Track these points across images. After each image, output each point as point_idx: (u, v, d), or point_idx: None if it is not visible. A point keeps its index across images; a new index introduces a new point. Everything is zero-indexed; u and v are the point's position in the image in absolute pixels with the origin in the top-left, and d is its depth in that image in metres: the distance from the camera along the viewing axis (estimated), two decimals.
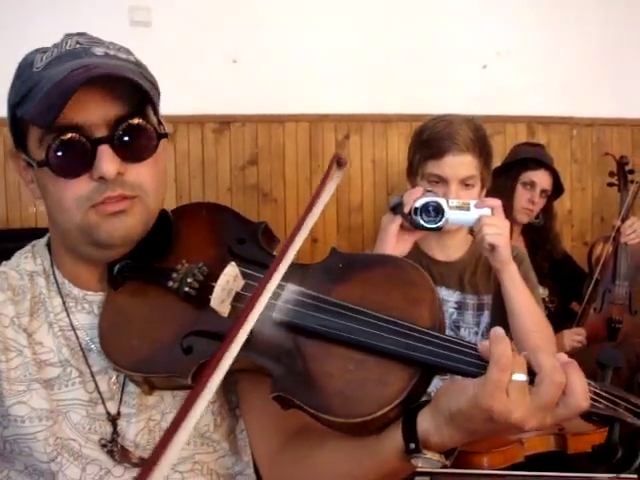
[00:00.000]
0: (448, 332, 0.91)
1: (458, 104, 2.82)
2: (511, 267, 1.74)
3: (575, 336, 2.68)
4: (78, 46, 0.97)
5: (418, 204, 1.66)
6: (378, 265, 0.97)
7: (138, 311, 0.98)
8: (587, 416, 0.82)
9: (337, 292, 0.92)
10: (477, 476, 1.60)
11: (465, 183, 1.86)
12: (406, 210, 1.66)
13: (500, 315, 1.80)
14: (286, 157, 3.12)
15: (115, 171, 0.93)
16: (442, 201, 1.66)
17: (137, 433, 1.02)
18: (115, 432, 1.01)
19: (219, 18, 2.97)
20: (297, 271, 0.94)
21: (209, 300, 0.92)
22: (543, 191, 2.77)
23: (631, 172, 2.91)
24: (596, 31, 3.36)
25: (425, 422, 0.83)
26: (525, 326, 1.76)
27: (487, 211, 1.67)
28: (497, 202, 1.69)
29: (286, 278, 0.91)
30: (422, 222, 1.66)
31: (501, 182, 2.68)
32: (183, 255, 1.00)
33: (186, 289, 0.95)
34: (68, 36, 0.99)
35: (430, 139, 1.88)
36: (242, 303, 0.93)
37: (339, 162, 1.00)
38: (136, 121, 0.95)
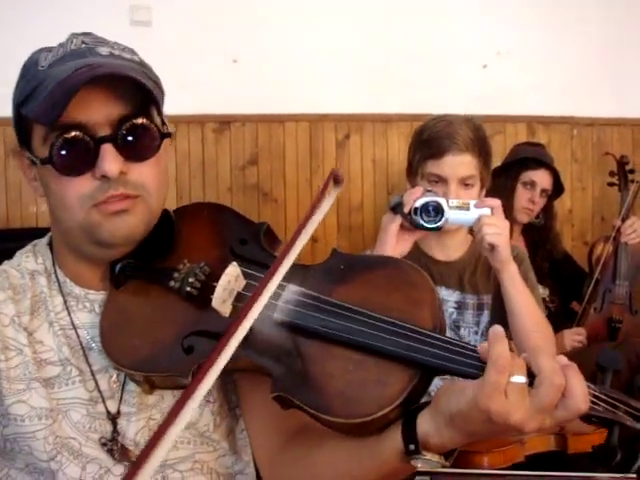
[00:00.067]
0: (448, 332, 0.91)
1: (458, 104, 2.82)
2: (511, 267, 1.74)
3: (575, 336, 2.68)
4: (83, 45, 0.97)
5: (418, 204, 1.66)
6: (379, 266, 0.97)
7: (139, 310, 0.99)
8: (587, 418, 0.82)
9: (338, 293, 0.92)
10: (477, 476, 1.60)
11: (465, 183, 1.86)
12: (406, 210, 1.66)
13: (500, 315, 1.80)
14: (286, 157, 3.12)
15: (118, 170, 0.93)
16: (442, 201, 1.66)
17: (137, 432, 1.02)
18: (115, 431, 1.01)
19: (219, 18, 2.97)
20: (298, 272, 0.94)
21: (210, 300, 0.92)
22: (543, 191, 2.77)
23: (631, 172, 2.91)
24: (596, 31, 3.36)
25: (425, 423, 0.83)
26: (525, 326, 1.76)
27: (487, 211, 1.67)
28: (497, 202, 1.70)
29: (287, 278, 0.91)
30: (422, 222, 1.66)
31: (501, 182, 2.68)
32: (185, 255, 1.00)
33: (188, 289, 0.95)
34: (73, 35, 1.00)
35: (430, 139, 1.89)
36: (243, 303, 0.93)
37: (336, 179, 0.99)
38: (140, 121, 0.96)
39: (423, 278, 0.92)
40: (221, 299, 0.92)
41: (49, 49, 0.98)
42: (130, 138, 0.95)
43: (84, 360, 1.02)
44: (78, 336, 1.03)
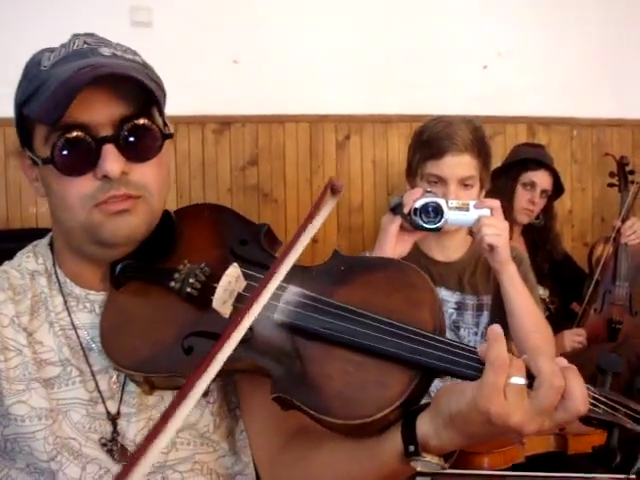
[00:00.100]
0: (448, 332, 0.91)
1: (458, 104, 2.83)
2: (510, 267, 1.74)
3: (575, 337, 2.68)
4: (85, 46, 0.97)
5: (418, 205, 1.67)
6: (379, 268, 0.98)
7: (140, 311, 0.99)
8: (586, 420, 0.82)
9: (338, 294, 0.92)
10: (478, 476, 1.61)
11: (464, 183, 1.87)
12: (406, 210, 1.67)
13: (499, 315, 1.80)
14: (286, 157, 3.12)
15: (119, 170, 0.93)
16: (441, 202, 1.67)
17: (137, 432, 1.02)
18: (115, 431, 1.01)
19: (220, 19, 2.97)
20: (299, 273, 0.94)
21: (211, 301, 0.92)
22: (543, 191, 2.77)
23: (631, 173, 2.91)
24: (596, 31, 3.36)
25: (424, 425, 0.83)
26: (524, 326, 1.76)
27: (486, 212, 1.68)
28: (496, 203, 1.70)
29: (288, 280, 0.91)
30: (421, 223, 1.66)
31: (501, 183, 2.68)
32: (185, 256, 1.00)
33: (188, 289, 0.95)
34: (76, 36, 1.00)
35: (429, 139, 1.89)
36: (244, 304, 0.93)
37: (333, 189, 0.99)
38: (141, 121, 0.96)
39: (423, 280, 0.92)
40: (221, 300, 0.92)
41: (51, 49, 0.99)
42: (132, 139, 0.95)
43: (84, 360, 1.02)
44: (78, 336, 1.03)
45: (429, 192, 1.73)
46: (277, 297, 0.92)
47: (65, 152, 0.93)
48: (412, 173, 1.97)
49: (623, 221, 2.79)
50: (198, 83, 2.85)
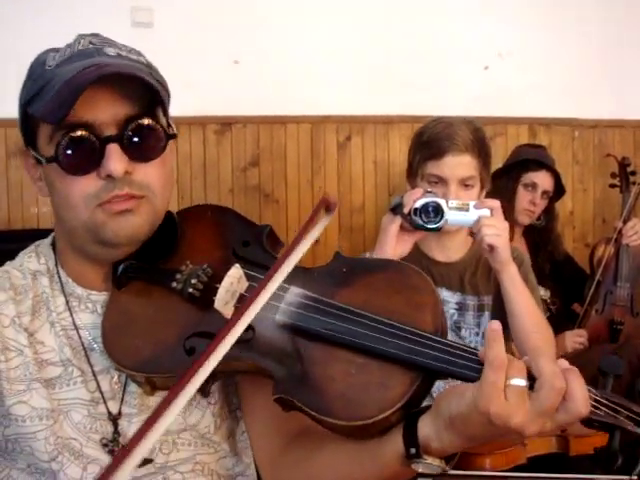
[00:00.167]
0: (449, 333, 0.91)
1: (459, 105, 2.83)
2: (511, 268, 1.74)
3: (577, 337, 2.68)
4: (91, 46, 0.98)
5: (418, 204, 1.67)
6: (381, 270, 0.98)
7: (142, 311, 0.99)
8: (588, 422, 0.82)
9: (340, 296, 0.92)
10: (479, 477, 1.61)
11: (464, 183, 1.87)
12: (406, 210, 1.67)
13: (500, 316, 1.80)
14: (288, 158, 3.12)
15: (123, 170, 0.93)
16: (442, 202, 1.67)
17: None
18: (116, 432, 1.01)
19: (220, 19, 2.98)
20: (301, 274, 0.94)
21: (213, 301, 0.92)
22: (544, 192, 2.77)
23: (633, 174, 2.91)
24: (596, 31, 3.37)
25: (426, 427, 0.83)
26: (525, 327, 1.76)
27: (486, 212, 1.68)
28: (496, 203, 1.70)
29: (289, 281, 0.91)
30: (422, 222, 1.67)
31: (502, 183, 2.69)
32: (187, 256, 1.00)
33: (190, 290, 0.95)
34: (81, 36, 1.00)
35: (430, 140, 1.90)
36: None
37: (327, 207, 0.99)
38: (146, 121, 0.96)
39: (425, 282, 0.92)
40: (223, 301, 0.92)
41: (56, 49, 0.99)
42: (136, 138, 0.95)
43: (86, 361, 1.02)
44: (80, 337, 1.03)
45: (429, 192, 1.73)
46: (279, 298, 0.92)
47: (69, 151, 0.93)
48: (412, 174, 1.97)
49: (624, 222, 2.79)
50: (199, 84, 2.85)
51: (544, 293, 2.69)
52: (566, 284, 2.87)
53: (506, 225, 1.71)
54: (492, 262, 1.74)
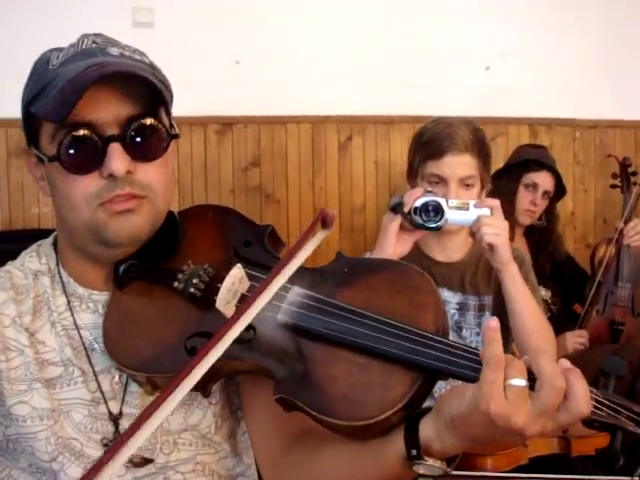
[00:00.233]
0: (450, 333, 0.91)
1: (460, 105, 2.83)
2: (512, 267, 1.74)
3: (577, 338, 2.68)
4: (94, 45, 0.98)
5: (418, 204, 1.68)
6: (383, 270, 0.98)
7: (143, 311, 0.99)
8: (589, 423, 0.82)
9: (342, 296, 0.92)
10: (481, 478, 1.61)
11: (465, 183, 1.87)
12: (406, 210, 1.68)
13: (500, 315, 1.80)
14: (288, 158, 3.12)
15: (125, 169, 0.93)
16: (442, 201, 1.68)
17: None
18: (117, 432, 1.01)
19: (221, 19, 2.98)
20: (302, 274, 0.94)
21: (214, 301, 0.91)
22: (545, 193, 2.77)
23: (634, 174, 2.91)
24: (596, 31, 3.37)
25: (427, 429, 0.83)
26: (526, 327, 1.76)
27: (486, 211, 1.69)
28: (496, 202, 1.71)
29: (291, 281, 0.92)
30: (421, 222, 1.67)
31: (503, 184, 2.69)
32: (189, 256, 1.00)
33: (191, 290, 0.95)
34: (84, 36, 1.00)
35: (430, 140, 1.90)
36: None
37: (324, 222, 0.98)
38: (148, 121, 0.96)
39: (427, 282, 0.93)
40: (225, 300, 0.92)
41: (60, 49, 0.99)
42: (138, 138, 0.95)
43: (86, 361, 1.02)
44: (81, 337, 1.03)
45: (429, 192, 1.73)
46: (281, 298, 0.92)
47: (71, 150, 0.93)
48: (413, 174, 1.98)
49: (626, 222, 2.78)
50: (200, 84, 2.86)
51: (545, 293, 2.69)
52: (567, 284, 2.87)
53: (506, 224, 1.71)
54: (493, 262, 1.74)
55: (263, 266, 0.98)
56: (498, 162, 2.78)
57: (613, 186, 2.96)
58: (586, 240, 3.44)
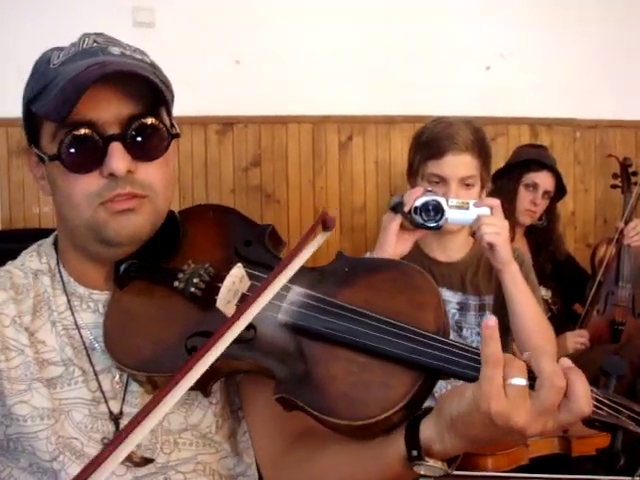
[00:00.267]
0: (451, 333, 0.91)
1: (460, 105, 2.83)
2: (512, 267, 1.75)
3: (578, 338, 2.68)
4: (95, 45, 0.98)
5: (418, 203, 1.68)
6: (384, 269, 0.98)
7: (143, 311, 0.99)
8: (590, 422, 0.82)
9: (342, 295, 0.92)
10: (482, 478, 1.60)
11: (465, 183, 1.88)
12: (406, 209, 1.68)
13: (500, 315, 1.80)
14: (289, 158, 3.12)
15: (125, 168, 0.93)
16: (442, 200, 1.68)
17: None
18: (117, 431, 1.00)
19: (222, 19, 2.98)
20: (303, 273, 0.94)
21: (215, 301, 0.91)
22: (545, 192, 2.77)
23: (634, 174, 2.91)
24: (596, 31, 3.37)
25: (428, 430, 0.83)
26: (526, 326, 1.76)
27: (486, 210, 1.69)
28: (496, 202, 1.71)
29: (292, 280, 0.92)
30: (422, 221, 1.67)
31: (503, 184, 2.69)
32: (189, 256, 1.00)
33: (192, 289, 0.95)
34: (86, 35, 1.00)
35: (430, 140, 1.91)
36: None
37: (325, 224, 0.98)
38: (149, 121, 0.96)
39: (428, 282, 0.92)
40: (225, 300, 0.92)
41: (61, 48, 0.99)
42: (139, 138, 0.95)
43: (87, 360, 1.02)
44: (81, 336, 1.03)
45: (430, 191, 1.73)
46: (281, 297, 0.92)
47: (72, 149, 0.93)
48: (413, 174, 1.98)
49: (626, 222, 2.78)
50: (200, 83, 2.86)
51: (545, 293, 2.69)
52: (567, 284, 2.87)
53: (506, 223, 1.71)
54: (493, 261, 1.74)
55: (264, 265, 0.98)
56: (499, 162, 2.78)
57: (613, 186, 2.96)
58: (586, 240, 3.44)
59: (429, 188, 1.79)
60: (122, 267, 1.00)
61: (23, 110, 1.00)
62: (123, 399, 1.02)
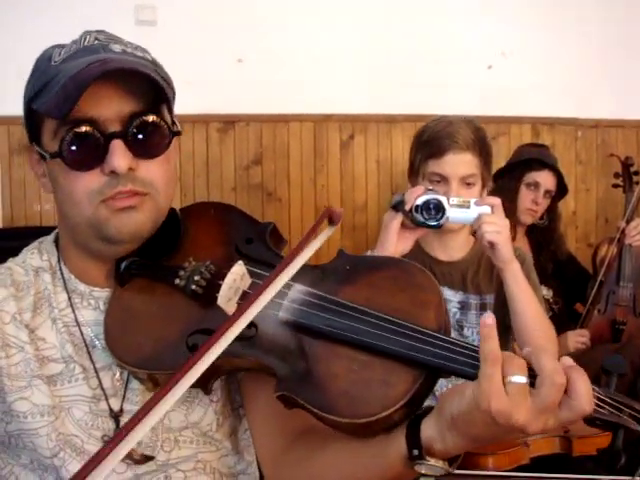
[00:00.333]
0: (452, 332, 0.91)
1: (461, 104, 2.83)
2: (513, 266, 1.74)
3: (579, 337, 2.68)
4: (96, 42, 0.98)
5: (419, 201, 1.67)
6: (385, 267, 0.97)
7: (144, 308, 0.98)
8: (591, 421, 0.82)
9: (344, 293, 0.92)
10: (482, 477, 1.60)
11: (466, 182, 1.88)
12: (407, 208, 1.68)
13: (500, 314, 1.80)
14: (290, 157, 3.12)
15: (126, 166, 0.93)
16: (443, 199, 1.68)
17: None
18: (118, 428, 1.00)
19: (224, 18, 2.98)
20: (304, 271, 0.94)
21: (216, 298, 0.91)
22: (547, 192, 2.77)
23: (636, 173, 2.91)
24: (596, 31, 3.37)
25: (429, 429, 0.83)
26: (527, 325, 1.76)
27: (487, 209, 1.69)
28: (497, 200, 1.71)
29: (293, 278, 0.91)
30: (423, 219, 1.67)
31: (505, 183, 2.69)
32: (191, 253, 1.00)
33: (193, 287, 0.95)
34: (87, 32, 1.00)
35: (431, 139, 1.91)
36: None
37: (331, 219, 0.98)
38: (150, 118, 0.96)
39: (429, 280, 0.92)
40: (226, 297, 0.92)
41: (62, 45, 0.99)
42: (140, 135, 0.95)
43: (87, 357, 1.02)
44: (82, 333, 1.03)
45: (431, 190, 1.73)
46: (282, 295, 0.91)
47: (73, 147, 0.93)
48: (414, 172, 1.98)
49: (627, 222, 2.78)
50: (202, 82, 2.86)
51: (546, 293, 2.69)
52: (569, 284, 2.87)
53: (506, 222, 1.71)
54: (494, 260, 1.74)
55: (265, 263, 0.98)
56: (500, 161, 2.78)
57: (615, 185, 2.96)
58: (588, 239, 3.44)
59: (430, 187, 1.79)
60: (123, 264, 1.00)
61: (24, 108, 1.00)
62: (123, 397, 1.02)
